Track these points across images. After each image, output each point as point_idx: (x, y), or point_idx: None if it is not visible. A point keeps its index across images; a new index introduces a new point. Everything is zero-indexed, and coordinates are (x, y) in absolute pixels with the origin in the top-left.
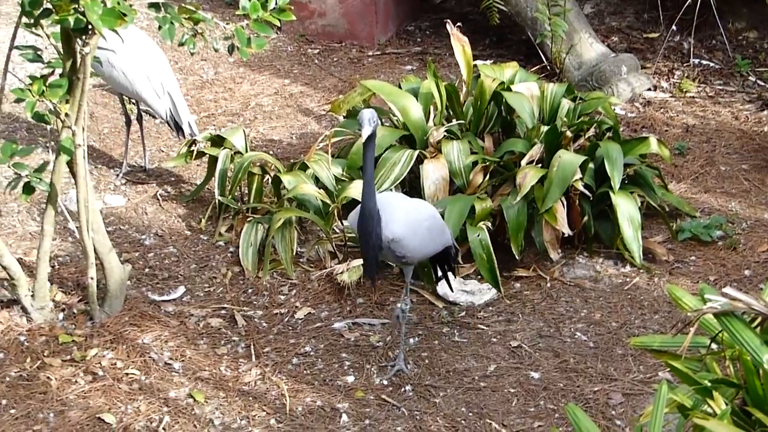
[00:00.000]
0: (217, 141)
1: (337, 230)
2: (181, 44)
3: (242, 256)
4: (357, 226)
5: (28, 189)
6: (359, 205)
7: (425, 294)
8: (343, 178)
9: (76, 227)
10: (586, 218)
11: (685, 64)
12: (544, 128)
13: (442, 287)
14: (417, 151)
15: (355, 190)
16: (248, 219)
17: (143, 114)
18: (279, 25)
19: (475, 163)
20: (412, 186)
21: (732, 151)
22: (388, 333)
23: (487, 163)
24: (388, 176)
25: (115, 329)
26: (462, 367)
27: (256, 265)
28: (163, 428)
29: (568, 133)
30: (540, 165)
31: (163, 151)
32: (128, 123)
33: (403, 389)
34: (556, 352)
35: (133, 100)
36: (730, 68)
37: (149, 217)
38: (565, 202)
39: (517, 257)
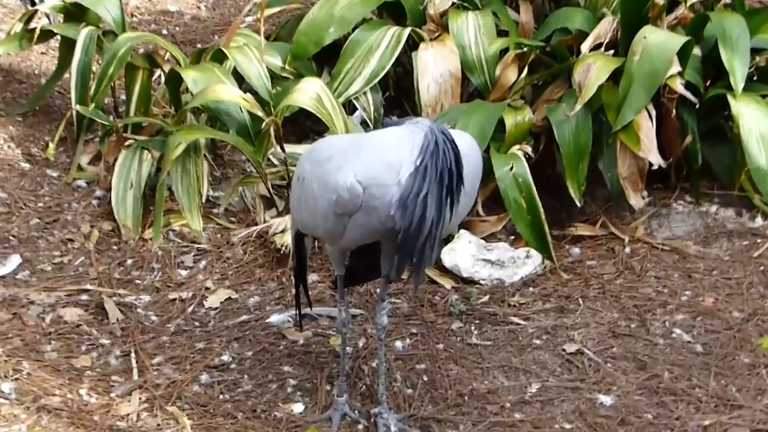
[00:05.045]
0: (75, 13)
1: (276, 161)
2: None
3: (116, 205)
4: (413, 192)
5: None
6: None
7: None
8: (284, 75)
9: None
10: (688, 139)
11: None
12: None
13: (451, 256)
14: (408, 30)
15: (305, 93)
16: (127, 143)
17: None
18: None
19: (504, 51)
20: (399, 88)
21: None
22: (360, 331)
23: (525, 50)
24: (360, 71)
25: None
26: (484, 388)
27: (139, 220)
28: None
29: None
30: (612, 52)
31: None
32: None
33: (385, 424)
34: (641, 362)
35: None
36: None
37: None
38: (654, 114)
39: (576, 203)
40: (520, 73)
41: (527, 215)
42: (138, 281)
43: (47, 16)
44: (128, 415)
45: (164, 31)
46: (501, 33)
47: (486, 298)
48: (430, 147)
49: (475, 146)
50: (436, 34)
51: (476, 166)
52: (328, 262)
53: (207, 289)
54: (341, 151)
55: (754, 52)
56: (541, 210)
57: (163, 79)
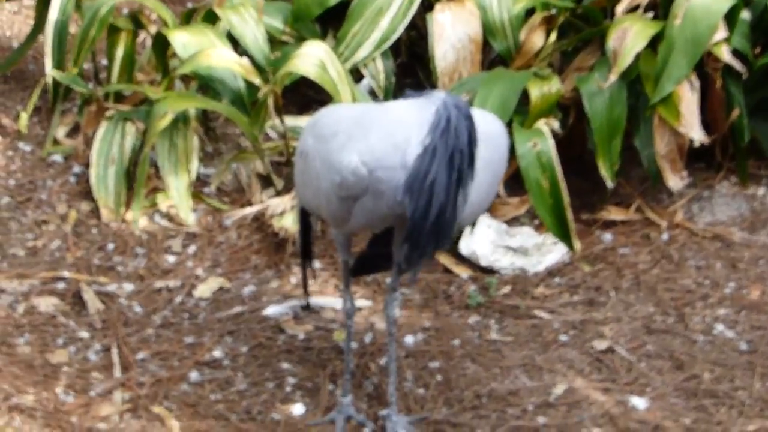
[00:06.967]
0: None
1: (274, 135)
2: None
3: (96, 183)
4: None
5: None
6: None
7: (438, 255)
8: (284, 38)
9: None
10: (735, 113)
11: None
12: None
13: (468, 243)
14: None
15: (307, 59)
16: (108, 114)
17: None
18: None
19: (530, 12)
20: (412, 54)
21: None
22: (368, 325)
23: (553, 12)
24: (368, 34)
25: None
26: (504, 389)
27: (121, 200)
28: None
29: None
30: (652, 14)
31: None
32: None
33: (394, 428)
34: (678, 361)
35: None
36: None
37: None
38: (696, 85)
39: (608, 184)
40: (547, 37)
41: (549, 198)
42: (120, 268)
43: None
44: (109, 416)
45: None
46: None
47: (507, 289)
48: (441, 125)
49: (501, 129)
50: None
51: (501, 152)
52: (332, 248)
53: (197, 277)
54: (347, 127)
55: None
56: (565, 194)
57: (148, 42)
